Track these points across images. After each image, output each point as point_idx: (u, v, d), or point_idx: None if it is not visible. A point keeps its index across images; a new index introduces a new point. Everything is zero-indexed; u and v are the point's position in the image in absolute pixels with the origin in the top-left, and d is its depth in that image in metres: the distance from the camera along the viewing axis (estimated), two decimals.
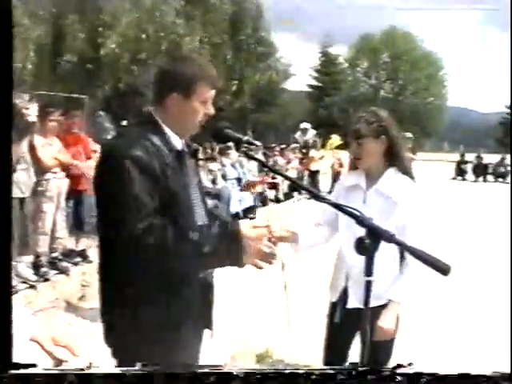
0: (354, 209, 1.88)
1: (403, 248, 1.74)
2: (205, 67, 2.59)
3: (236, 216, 12.42)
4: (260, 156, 14.62)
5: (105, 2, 21.02)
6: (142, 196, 2.38)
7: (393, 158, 3.25)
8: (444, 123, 65.41)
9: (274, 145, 19.21)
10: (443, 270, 1.71)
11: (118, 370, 1.82)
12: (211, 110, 2.56)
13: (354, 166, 3.41)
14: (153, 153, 2.47)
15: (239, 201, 12.46)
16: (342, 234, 3.28)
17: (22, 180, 6.69)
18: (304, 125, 20.75)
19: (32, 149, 6.84)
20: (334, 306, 3.39)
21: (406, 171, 3.28)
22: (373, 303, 1.88)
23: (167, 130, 2.60)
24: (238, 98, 30.47)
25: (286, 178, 2.39)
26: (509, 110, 58.39)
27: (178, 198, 2.53)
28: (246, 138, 2.18)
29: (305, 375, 1.75)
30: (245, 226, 2.41)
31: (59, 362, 2.01)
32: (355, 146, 3.23)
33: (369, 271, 1.78)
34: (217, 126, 2.27)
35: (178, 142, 2.63)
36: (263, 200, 14.30)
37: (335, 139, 20.73)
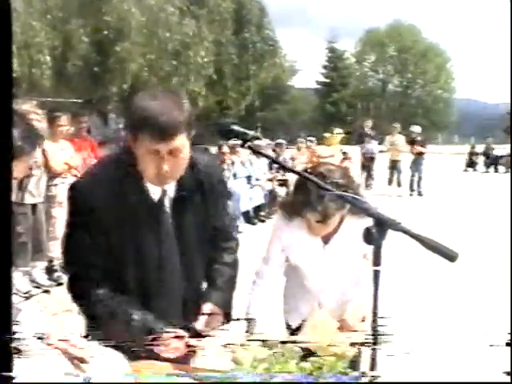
0: (358, 198, 1.89)
1: (410, 236, 1.75)
2: (153, 117, 2.17)
3: (246, 214, 12.44)
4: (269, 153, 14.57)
5: (106, 5, 21.03)
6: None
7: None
8: (453, 115, 65.15)
9: (281, 141, 19.08)
10: (451, 256, 1.71)
11: None
12: (162, 168, 2.24)
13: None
14: (115, 201, 2.34)
15: (249, 199, 12.46)
16: (303, 263, 3.00)
17: (34, 186, 6.75)
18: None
19: (42, 154, 6.87)
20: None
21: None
22: None
23: (143, 175, 2.37)
24: (245, 96, 30.49)
25: (296, 173, 2.36)
26: None
27: (140, 253, 2.44)
28: (252, 132, 2.15)
29: None
30: None
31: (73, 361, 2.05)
32: (319, 226, 2.73)
33: (377, 261, 1.78)
34: (222, 122, 2.21)
35: (154, 190, 2.41)
36: (273, 198, 14.29)
37: (338, 133, 20.56)
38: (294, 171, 2.38)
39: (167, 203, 2.45)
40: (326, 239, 2.86)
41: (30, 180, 6.64)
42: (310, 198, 2.60)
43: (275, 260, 3.00)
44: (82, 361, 2.05)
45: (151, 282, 2.48)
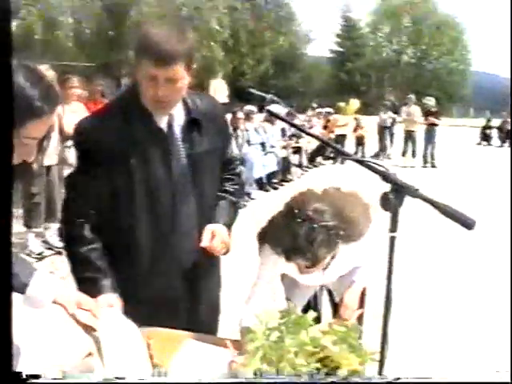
0: (378, 164, 1.87)
1: (428, 202, 1.74)
2: (153, 43, 2.24)
3: (259, 181, 12.43)
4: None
5: None
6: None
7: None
8: (468, 88, 64.63)
9: (309, 109, 18.91)
10: (468, 224, 1.70)
11: None
12: (158, 93, 2.30)
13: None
14: (123, 134, 2.39)
15: (263, 166, 12.44)
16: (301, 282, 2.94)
17: (49, 148, 6.78)
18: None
19: (55, 116, 6.88)
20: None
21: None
22: None
23: (146, 105, 2.43)
24: (260, 63, 30.36)
25: (314, 136, 2.35)
26: None
27: (149, 186, 2.46)
28: (269, 96, 2.14)
29: None
30: None
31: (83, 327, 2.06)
32: (309, 269, 2.45)
33: (394, 227, 1.77)
34: (240, 86, 2.22)
35: (160, 119, 2.47)
36: (287, 165, 14.28)
37: (354, 103, 20.49)
38: (312, 135, 2.38)
39: (177, 131, 2.50)
40: (324, 268, 2.62)
41: (49, 142, 6.68)
42: (297, 244, 2.28)
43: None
44: (90, 327, 2.06)
45: (164, 213, 2.50)
